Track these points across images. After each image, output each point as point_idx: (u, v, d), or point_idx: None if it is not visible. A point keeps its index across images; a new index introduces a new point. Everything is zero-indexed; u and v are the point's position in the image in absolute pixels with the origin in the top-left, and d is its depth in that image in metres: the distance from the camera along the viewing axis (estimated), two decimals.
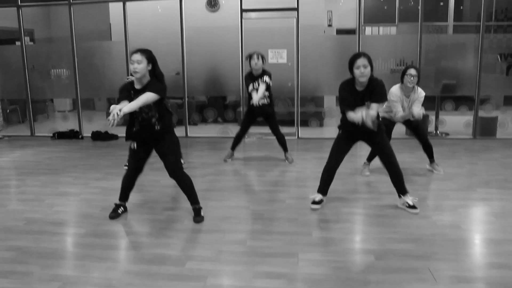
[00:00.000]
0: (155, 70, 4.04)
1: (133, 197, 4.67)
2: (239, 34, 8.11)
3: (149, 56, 3.97)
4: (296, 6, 7.90)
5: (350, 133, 4.44)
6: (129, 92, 4.00)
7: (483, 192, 4.98)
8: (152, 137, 4.20)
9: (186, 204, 4.42)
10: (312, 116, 9.09)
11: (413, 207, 4.40)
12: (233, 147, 6.59)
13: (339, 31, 10.87)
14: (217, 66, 8.38)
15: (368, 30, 12.49)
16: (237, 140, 6.52)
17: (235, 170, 6.23)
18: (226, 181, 5.69)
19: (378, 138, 4.44)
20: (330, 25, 10.36)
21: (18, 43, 10.30)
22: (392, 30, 12.11)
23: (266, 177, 5.90)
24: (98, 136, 8.37)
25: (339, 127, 4.53)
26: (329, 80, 8.00)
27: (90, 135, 8.56)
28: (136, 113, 4.05)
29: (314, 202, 4.58)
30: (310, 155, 6.94)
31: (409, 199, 4.44)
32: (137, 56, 3.91)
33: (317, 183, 4.65)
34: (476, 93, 7.97)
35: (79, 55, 8.73)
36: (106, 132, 8.42)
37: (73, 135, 8.60)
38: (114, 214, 4.42)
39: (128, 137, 4.27)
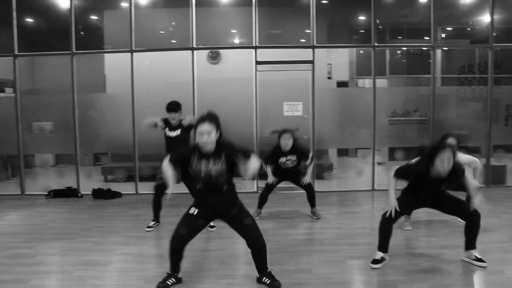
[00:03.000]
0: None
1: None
2: (253, 86, 7.86)
3: (217, 123, 3.68)
4: (312, 59, 7.78)
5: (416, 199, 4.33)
6: (188, 160, 3.67)
7: None
8: (220, 204, 3.77)
9: (239, 270, 3.98)
10: (327, 169, 8.83)
11: (481, 260, 4.19)
12: (260, 205, 6.19)
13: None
14: (229, 119, 8.03)
15: (360, 82, 12.66)
16: (263, 198, 6.16)
17: (271, 229, 5.73)
18: (269, 241, 5.23)
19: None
20: (329, 78, 10.32)
21: (1, 94, 9.74)
22: (383, 82, 12.29)
23: (310, 236, 5.56)
24: (101, 194, 7.73)
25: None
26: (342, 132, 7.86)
27: (89, 192, 7.91)
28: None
29: (374, 261, 4.24)
30: (338, 210, 6.63)
31: (476, 252, 4.23)
32: (206, 127, 3.57)
33: (363, 240, 4.37)
34: (488, 142, 8.00)
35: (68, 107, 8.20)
36: (109, 190, 7.82)
37: (70, 193, 7.91)
38: (163, 285, 3.87)
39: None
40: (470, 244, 4.29)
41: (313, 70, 7.86)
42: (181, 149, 3.86)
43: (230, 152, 3.65)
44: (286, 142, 5.79)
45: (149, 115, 8.02)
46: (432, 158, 4.00)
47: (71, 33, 7.98)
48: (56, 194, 7.90)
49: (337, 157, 9.78)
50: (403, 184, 4.39)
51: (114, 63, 9.03)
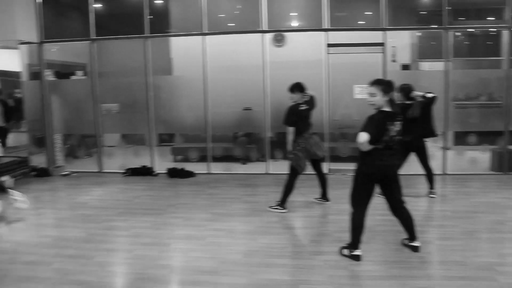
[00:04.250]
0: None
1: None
2: (323, 69, 7.90)
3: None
4: (382, 41, 7.74)
5: None
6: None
7: None
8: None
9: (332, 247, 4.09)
10: None
11: None
12: None
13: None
14: None
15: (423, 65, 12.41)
16: None
17: None
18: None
19: None
20: (394, 61, 10.21)
21: (73, 77, 10.15)
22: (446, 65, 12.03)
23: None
24: (175, 173, 8.03)
25: None
26: None
27: (164, 171, 8.22)
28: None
29: None
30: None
31: None
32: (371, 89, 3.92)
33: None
34: None
35: (139, 89, 8.52)
36: (183, 169, 8.10)
37: (146, 171, 8.26)
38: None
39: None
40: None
41: (383, 53, 7.82)
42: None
43: None
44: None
45: (220, 96, 8.34)
46: None
47: (144, 17, 8.24)
48: (133, 172, 8.27)
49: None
50: None
51: (181, 46, 9.27)
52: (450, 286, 3.60)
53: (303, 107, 5.70)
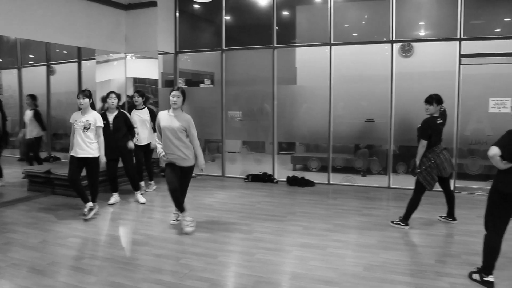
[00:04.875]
0: None
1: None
2: (455, 81, 7.50)
3: None
4: None
5: None
6: None
7: None
8: None
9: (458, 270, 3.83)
10: None
11: None
12: None
13: None
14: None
15: None
16: None
17: None
18: None
19: None
20: None
21: (202, 85, 10.78)
22: None
23: None
24: (295, 182, 8.16)
25: None
26: None
27: (284, 179, 8.40)
28: None
29: None
30: None
31: None
32: None
33: None
34: None
35: (264, 98, 8.85)
36: (303, 178, 8.20)
37: (266, 178, 8.50)
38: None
39: None
40: None
41: None
42: None
43: None
44: None
45: (343, 107, 8.30)
46: None
47: (273, 28, 8.54)
48: (254, 178, 8.55)
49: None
50: None
51: (306, 57, 9.39)
52: None
53: (440, 120, 5.46)
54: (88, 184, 6.17)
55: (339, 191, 7.76)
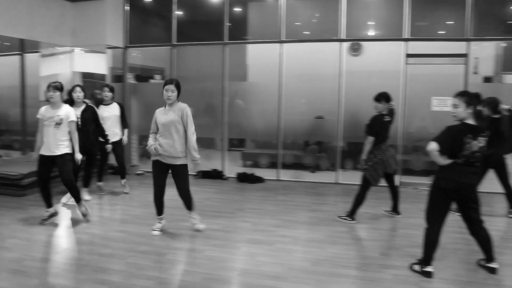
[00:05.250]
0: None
1: None
2: (400, 80, 7.74)
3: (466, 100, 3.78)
4: (466, 52, 7.46)
5: None
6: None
7: None
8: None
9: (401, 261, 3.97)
10: None
11: None
12: None
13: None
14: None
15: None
16: None
17: None
18: None
19: None
20: (475, 73, 9.76)
21: (152, 80, 10.59)
22: None
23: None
24: (245, 178, 8.16)
25: None
26: None
27: (234, 176, 8.39)
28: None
29: None
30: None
31: None
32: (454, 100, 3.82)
33: None
34: None
35: (215, 94, 8.80)
36: (253, 174, 8.22)
37: (216, 175, 8.46)
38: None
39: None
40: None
41: (466, 64, 7.52)
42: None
43: None
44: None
45: (293, 104, 8.39)
46: None
47: (224, 24, 8.50)
48: (204, 175, 8.50)
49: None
50: None
51: (257, 54, 9.41)
52: None
53: (387, 118, 5.60)
54: (64, 184, 5.52)
55: (288, 187, 7.84)
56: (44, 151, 5.33)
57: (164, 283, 3.85)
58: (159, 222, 5.23)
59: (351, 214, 5.64)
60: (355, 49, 9.14)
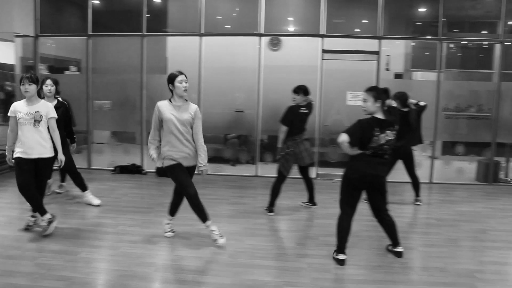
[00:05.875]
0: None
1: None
2: (317, 75, 7.98)
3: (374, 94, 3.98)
4: (378, 49, 7.84)
5: None
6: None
7: None
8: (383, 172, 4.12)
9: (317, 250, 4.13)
10: None
11: None
12: None
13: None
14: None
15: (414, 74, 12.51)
16: None
17: None
18: None
19: None
20: (387, 69, 10.29)
21: (67, 72, 10.12)
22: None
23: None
24: (165, 172, 7.99)
25: None
26: None
27: (153, 170, 8.21)
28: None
29: None
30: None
31: None
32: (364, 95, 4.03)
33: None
34: None
35: (133, 87, 8.57)
36: None
37: (135, 169, 8.26)
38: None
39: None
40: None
41: (378, 61, 7.91)
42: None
43: None
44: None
45: (213, 97, 8.36)
46: None
47: (143, 16, 8.27)
48: (122, 170, 8.27)
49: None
50: None
51: (177, 46, 9.29)
52: None
53: (303, 110, 5.73)
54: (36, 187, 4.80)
55: (208, 180, 7.81)
56: (24, 154, 4.64)
57: (77, 283, 3.70)
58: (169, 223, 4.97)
59: (270, 206, 5.75)
60: (275, 44, 9.30)
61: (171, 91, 4.50)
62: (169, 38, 9.52)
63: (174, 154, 4.48)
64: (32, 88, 4.63)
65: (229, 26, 9.44)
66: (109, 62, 9.04)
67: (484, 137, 8.11)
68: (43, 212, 4.77)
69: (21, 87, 4.65)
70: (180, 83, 4.41)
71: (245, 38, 8.38)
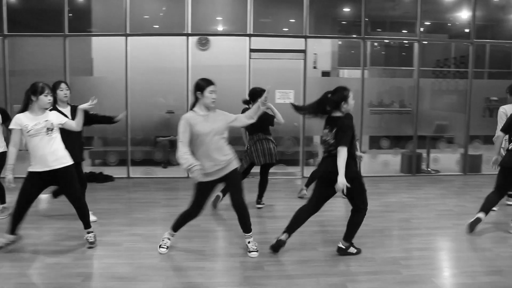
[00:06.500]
0: None
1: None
2: (246, 74, 8.02)
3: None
4: (304, 48, 8.00)
5: None
6: None
7: None
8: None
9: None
10: (315, 155, 9.09)
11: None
12: (308, 184, 6.49)
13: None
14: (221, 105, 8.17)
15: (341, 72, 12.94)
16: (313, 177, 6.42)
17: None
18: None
19: None
20: (315, 67, 10.56)
21: None
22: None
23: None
24: (93, 178, 7.75)
25: None
26: None
27: None
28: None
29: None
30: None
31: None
32: None
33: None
34: (466, 133, 8.46)
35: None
36: (101, 173, 7.86)
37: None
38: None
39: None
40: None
41: (305, 60, 8.08)
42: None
43: None
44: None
45: (142, 99, 8.19)
46: None
47: (64, 15, 7.93)
48: None
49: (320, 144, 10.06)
50: None
51: (103, 47, 9.01)
52: (360, 281, 3.80)
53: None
54: (75, 208, 4.58)
55: (139, 184, 7.66)
56: (39, 168, 4.40)
57: None
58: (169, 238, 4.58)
59: (214, 202, 5.96)
60: (203, 44, 9.26)
61: (196, 98, 4.25)
62: (94, 39, 9.23)
63: (209, 168, 4.16)
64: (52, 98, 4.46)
65: (157, 26, 9.29)
66: (28, 63, 8.57)
67: (407, 130, 8.55)
68: (13, 230, 4.48)
69: (42, 97, 4.35)
70: (211, 93, 4.17)
71: (173, 38, 8.26)
